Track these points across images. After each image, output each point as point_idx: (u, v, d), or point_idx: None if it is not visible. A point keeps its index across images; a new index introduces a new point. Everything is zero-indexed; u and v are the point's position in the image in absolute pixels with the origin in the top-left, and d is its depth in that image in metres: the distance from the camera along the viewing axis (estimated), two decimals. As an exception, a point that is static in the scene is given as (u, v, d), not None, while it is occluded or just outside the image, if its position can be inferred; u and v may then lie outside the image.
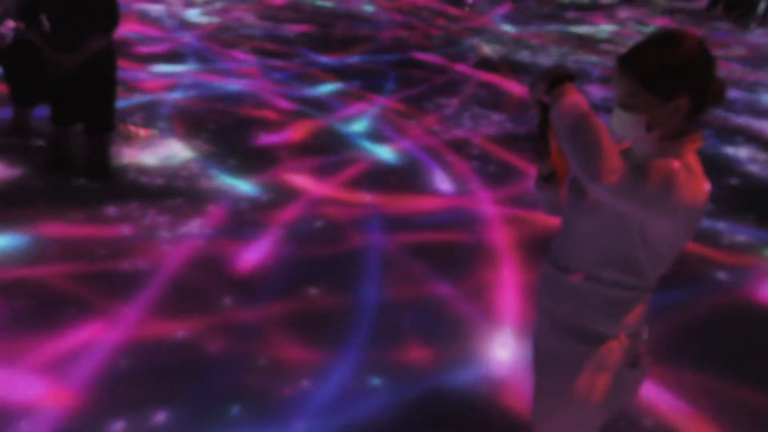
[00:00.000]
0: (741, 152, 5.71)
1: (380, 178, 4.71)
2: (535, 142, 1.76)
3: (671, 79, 1.52)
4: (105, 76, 4.19)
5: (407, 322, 3.22)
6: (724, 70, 7.96)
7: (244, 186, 4.41)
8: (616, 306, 1.68)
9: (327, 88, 6.43)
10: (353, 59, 7.50)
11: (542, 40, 9.10)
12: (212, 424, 2.55)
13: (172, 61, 6.79)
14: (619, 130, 1.61)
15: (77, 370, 2.76)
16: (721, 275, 3.86)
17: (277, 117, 5.61)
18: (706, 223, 4.31)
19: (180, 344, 2.95)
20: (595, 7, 11.71)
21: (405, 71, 7.18)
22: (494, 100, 6.51)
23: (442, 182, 4.72)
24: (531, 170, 4.94)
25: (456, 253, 3.86)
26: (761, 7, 11.17)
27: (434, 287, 3.51)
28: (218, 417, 2.58)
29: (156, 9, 8.82)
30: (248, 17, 8.94)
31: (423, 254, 3.79)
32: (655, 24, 10.76)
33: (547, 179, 1.83)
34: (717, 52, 1.81)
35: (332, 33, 8.58)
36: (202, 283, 3.38)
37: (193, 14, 8.82)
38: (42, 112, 4.60)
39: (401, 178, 4.74)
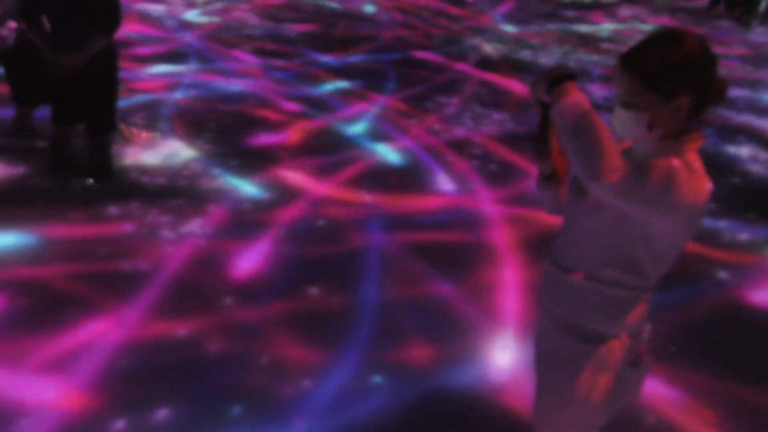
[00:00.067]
0: (742, 151, 5.69)
1: (381, 177, 4.71)
2: (535, 141, 1.76)
3: (672, 77, 1.51)
4: (106, 76, 4.19)
5: (408, 321, 3.22)
6: (725, 68, 7.95)
7: (245, 186, 4.41)
8: (617, 305, 1.68)
9: (328, 88, 6.42)
10: (354, 58, 7.50)
11: (543, 39, 9.09)
12: (213, 424, 2.55)
13: (173, 61, 6.79)
14: (620, 129, 1.61)
15: (78, 369, 2.76)
16: (722, 274, 3.85)
17: (278, 117, 5.61)
18: (707, 222, 4.31)
19: (181, 344, 2.95)
20: (596, 6, 11.69)
21: (406, 70, 7.18)
22: (495, 99, 6.51)
23: (443, 182, 4.72)
24: (532, 169, 4.93)
25: (457, 253, 3.86)
26: (762, 6, 11.15)
27: (435, 287, 3.51)
28: (219, 416, 2.58)
29: (156, 9, 8.83)
30: (249, 17, 8.93)
31: (424, 254, 3.79)
32: (656, 23, 10.75)
33: (548, 178, 1.83)
34: (718, 51, 1.80)
35: (333, 32, 8.57)
36: (203, 283, 3.38)
37: (194, 14, 8.82)
38: (43, 112, 4.61)
39: (402, 178, 4.74)
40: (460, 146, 5.32)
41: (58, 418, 2.52)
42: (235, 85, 6.25)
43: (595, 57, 8.34)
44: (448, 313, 3.31)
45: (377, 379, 2.84)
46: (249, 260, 3.61)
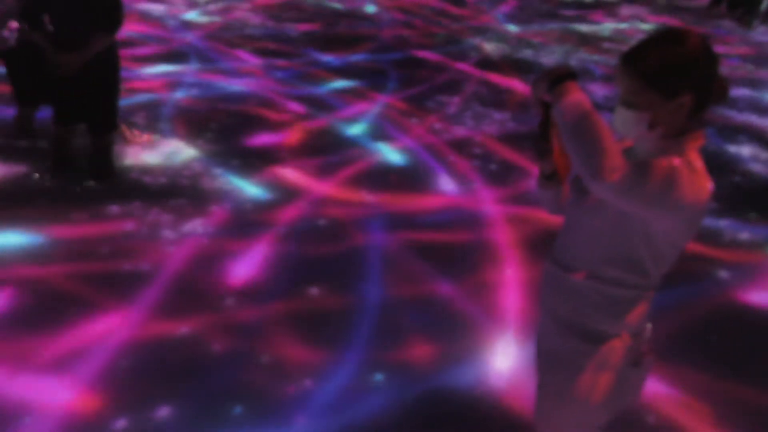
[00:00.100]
0: (744, 150, 5.69)
1: (382, 177, 4.71)
2: (536, 140, 1.76)
3: (674, 76, 1.51)
4: (107, 76, 4.19)
5: (408, 321, 3.22)
6: (726, 68, 7.94)
7: (246, 185, 4.41)
8: (618, 305, 1.68)
9: (329, 87, 6.42)
10: (355, 58, 7.50)
11: (544, 38, 9.09)
12: (214, 423, 2.55)
13: (174, 61, 6.79)
14: (622, 128, 1.61)
15: (79, 369, 2.76)
16: (723, 274, 3.85)
17: (280, 116, 5.61)
18: (708, 221, 4.30)
19: (182, 343, 2.95)
20: (597, 5, 11.68)
21: (406, 70, 7.18)
22: (496, 98, 6.51)
23: (444, 181, 4.72)
24: (533, 169, 4.93)
25: (458, 252, 3.86)
26: (764, 5, 11.14)
27: (436, 286, 3.51)
28: (220, 416, 2.59)
29: (157, 9, 8.83)
30: (250, 17, 8.93)
31: (425, 253, 3.79)
32: (657, 22, 10.74)
33: (549, 178, 1.83)
34: (719, 50, 1.80)
35: (334, 32, 8.57)
36: (205, 283, 3.38)
37: (195, 14, 8.82)
38: (45, 113, 4.61)
39: (403, 177, 4.74)
40: (461, 146, 5.32)
41: (59, 418, 2.52)
42: (236, 85, 6.25)
43: (596, 56, 8.33)
44: (449, 312, 3.31)
45: (378, 378, 2.84)
46: (250, 260, 3.61)
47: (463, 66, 7.49)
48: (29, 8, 3.98)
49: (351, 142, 5.23)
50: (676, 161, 1.49)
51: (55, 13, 3.97)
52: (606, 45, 8.95)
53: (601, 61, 8.10)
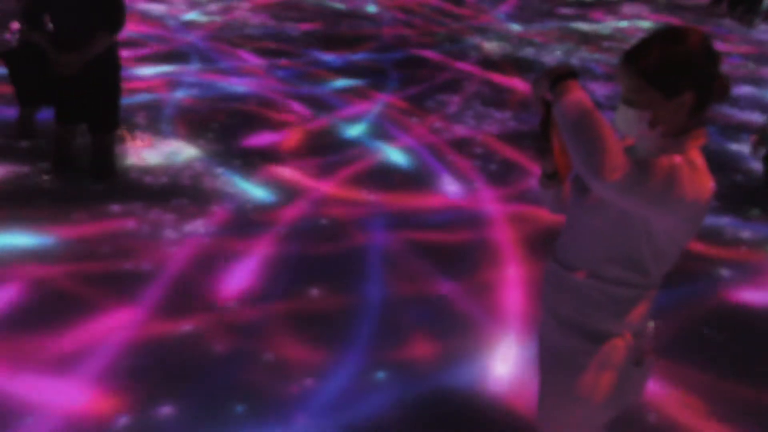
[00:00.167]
0: (745, 149, 5.68)
1: (383, 176, 4.71)
2: (537, 139, 1.76)
3: (675, 74, 1.51)
4: (107, 76, 4.19)
5: (410, 320, 3.22)
6: (727, 66, 7.93)
7: (247, 185, 4.41)
8: (619, 303, 1.68)
9: (330, 87, 6.42)
10: (356, 57, 7.50)
11: (545, 37, 9.08)
12: (216, 423, 2.55)
13: (175, 61, 6.79)
14: (623, 127, 1.60)
15: (82, 368, 2.77)
16: (724, 272, 3.84)
17: (281, 116, 5.61)
18: (710, 219, 4.30)
19: (184, 343, 2.95)
20: (597, 4, 11.67)
21: (407, 69, 7.17)
22: (497, 97, 6.50)
23: (445, 180, 4.71)
24: (534, 168, 4.93)
25: (459, 251, 3.85)
26: (765, 4, 11.13)
27: (437, 285, 3.51)
28: (222, 415, 2.59)
29: (158, 9, 8.83)
30: (250, 16, 8.93)
31: (426, 252, 3.79)
32: (658, 20, 10.72)
33: (551, 177, 1.83)
34: (720, 48, 1.80)
35: (335, 31, 8.57)
36: (207, 282, 3.38)
37: (196, 14, 8.82)
38: (46, 113, 4.61)
39: (404, 177, 4.74)
40: (462, 145, 5.32)
41: (61, 417, 2.52)
42: (237, 85, 6.25)
43: (597, 55, 8.33)
44: (450, 312, 3.31)
45: (380, 377, 2.84)
46: (252, 259, 3.61)
47: (463, 65, 7.49)
48: (30, 8, 3.98)
49: (352, 142, 5.23)
50: (678, 160, 1.49)
51: (56, 13, 3.97)
52: (606, 44, 8.95)
53: (601, 60, 8.09)
